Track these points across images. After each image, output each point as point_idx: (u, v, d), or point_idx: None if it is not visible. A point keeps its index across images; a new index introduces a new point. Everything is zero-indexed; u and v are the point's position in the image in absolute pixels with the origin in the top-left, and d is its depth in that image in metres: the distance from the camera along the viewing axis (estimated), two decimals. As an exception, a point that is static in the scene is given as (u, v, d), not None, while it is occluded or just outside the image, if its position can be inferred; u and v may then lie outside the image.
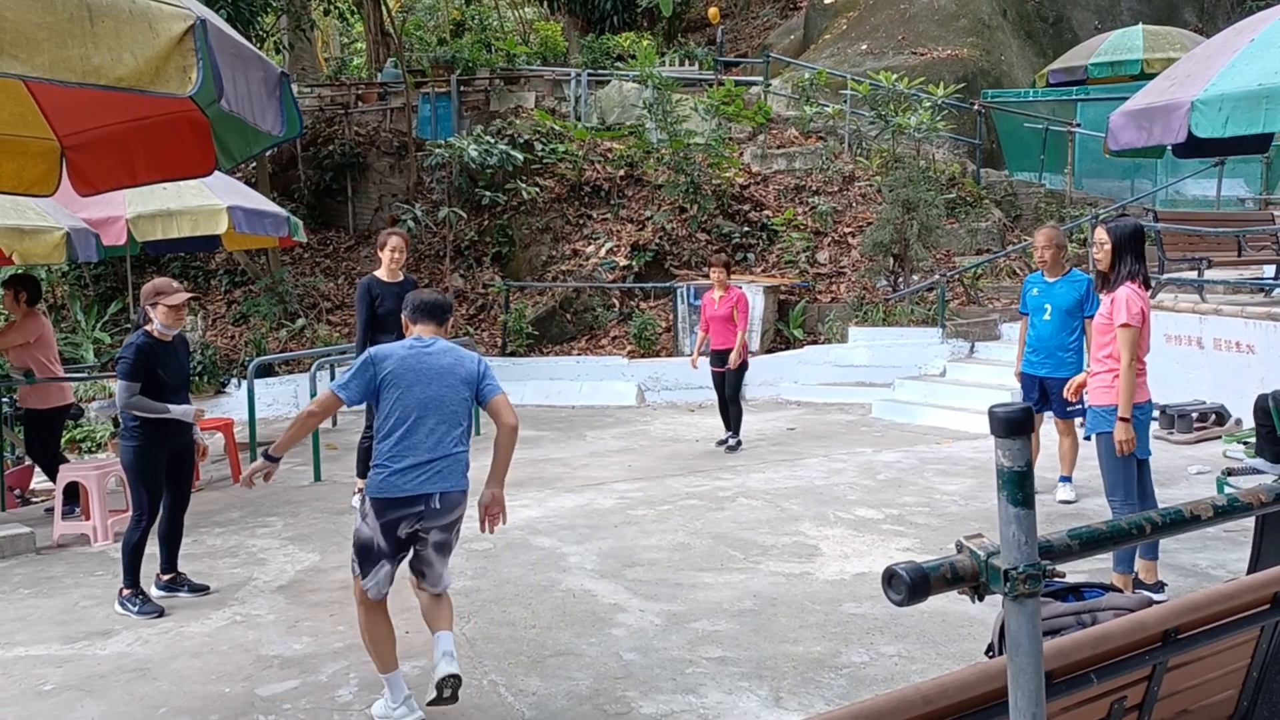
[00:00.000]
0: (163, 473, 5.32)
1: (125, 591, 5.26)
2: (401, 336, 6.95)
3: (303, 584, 5.59)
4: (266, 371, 11.77)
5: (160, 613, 5.18)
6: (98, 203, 7.17)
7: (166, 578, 5.49)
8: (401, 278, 7.07)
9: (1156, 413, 8.47)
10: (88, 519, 6.69)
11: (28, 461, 8.44)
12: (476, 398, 3.83)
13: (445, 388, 3.73)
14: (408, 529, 3.70)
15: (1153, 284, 9.64)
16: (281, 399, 11.71)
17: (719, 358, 8.61)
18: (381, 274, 7.02)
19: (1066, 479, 6.69)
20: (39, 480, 8.57)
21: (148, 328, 5.33)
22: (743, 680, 4.11)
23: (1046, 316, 6.46)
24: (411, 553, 3.83)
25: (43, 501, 7.99)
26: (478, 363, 3.86)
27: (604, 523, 6.48)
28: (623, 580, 5.37)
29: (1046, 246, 6.48)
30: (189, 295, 5.66)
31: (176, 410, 5.28)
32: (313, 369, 8.93)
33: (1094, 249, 4.93)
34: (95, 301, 13.41)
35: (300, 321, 12.95)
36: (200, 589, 5.51)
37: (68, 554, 6.45)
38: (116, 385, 5.16)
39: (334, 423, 10.88)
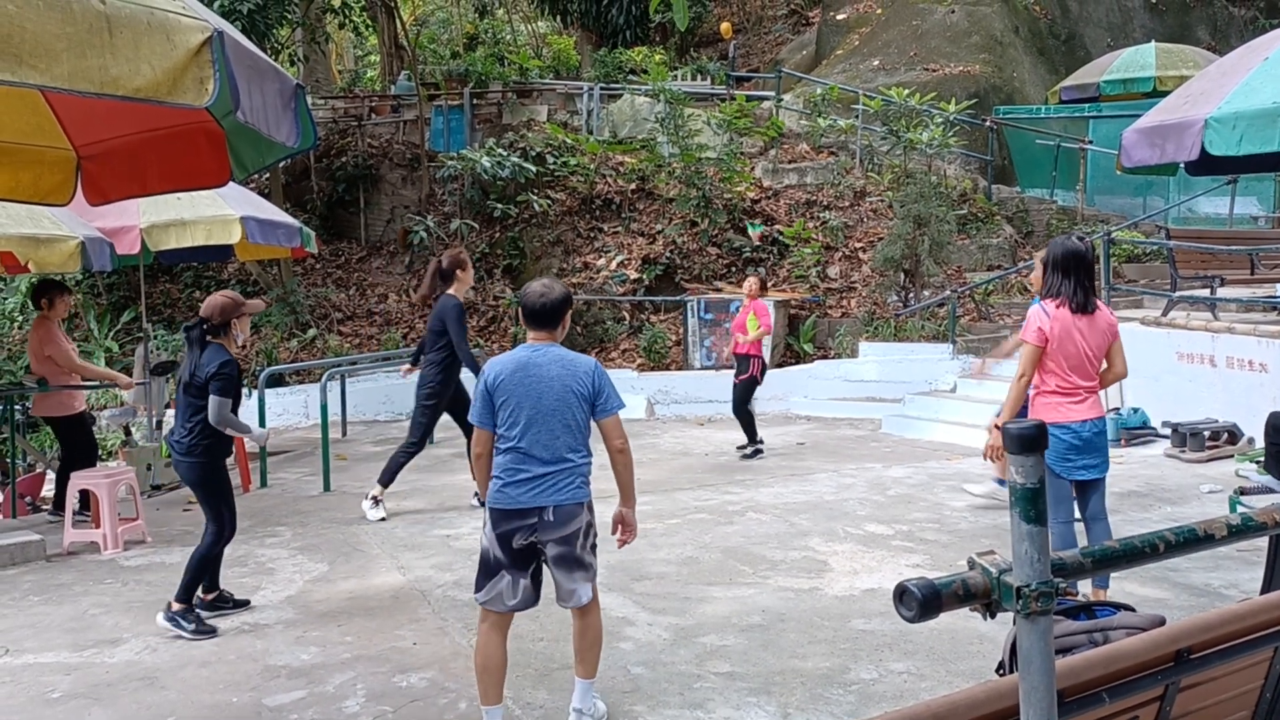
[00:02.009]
0: (229, 481, 5.25)
1: (177, 607, 4.98)
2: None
3: (311, 594, 5.59)
4: (277, 381, 11.81)
5: (214, 632, 4.97)
6: (112, 212, 7.22)
7: (210, 596, 5.32)
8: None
9: (1168, 431, 8.44)
10: (97, 526, 6.71)
11: (39, 469, 8.48)
12: (593, 411, 3.71)
13: (556, 400, 3.62)
14: (523, 540, 3.63)
15: (1166, 301, 9.66)
16: (292, 409, 11.74)
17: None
18: (457, 293, 7.00)
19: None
20: (50, 488, 8.60)
21: (222, 341, 5.15)
22: (750, 696, 4.09)
23: None
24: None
25: (49, 509, 8.02)
26: (592, 376, 3.68)
27: (611, 535, 6.46)
28: (631, 593, 5.36)
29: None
30: (263, 303, 5.79)
31: (256, 433, 5.34)
32: (323, 379, 8.95)
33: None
34: (108, 310, 13.49)
35: (311, 332, 13.00)
36: (242, 604, 5.39)
37: (77, 561, 6.47)
38: (214, 402, 4.95)
39: (343, 433, 10.90)
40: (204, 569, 5.10)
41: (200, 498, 5.19)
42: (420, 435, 7.12)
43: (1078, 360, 4.60)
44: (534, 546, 3.67)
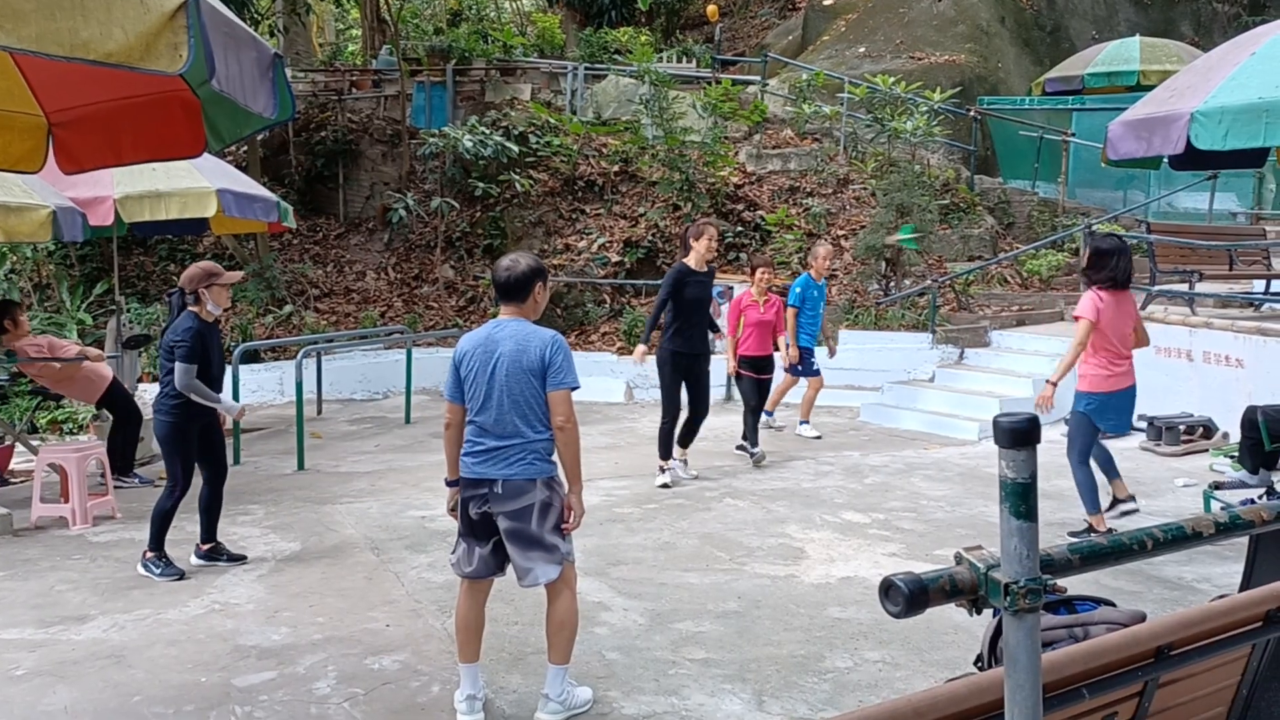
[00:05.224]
0: (194, 445, 5.51)
1: (149, 554, 5.44)
2: (700, 322, 7.25)
3: (282, 573, 5.53)
4: (253, 358, 11.68)
5: (181, 575, 5.38)
6: (85, 182, 7.09)
7: (206, 547, 5.69)
8: (707, 268, 7.35)
9: (1144, 424, 8.49)
10: (66, 501, 6.61)
11: (7, 441, 8.35)
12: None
13: (506, 374, 3.66)
14: (477, 509, 3.73)
15: (1145, 295, 9.71)
16: (266, 385, 11.62)
17: (756, 364, 8.14)
18: (691, 262, 7.20)
19: (805, 422, 9.24)
20: (18, 460, 8.47)
21: (195, 309, 5.44)
22: (725, 682, 4.07)
23: (822, 309, 9.10)
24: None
25: (22, 482, 7.90)
26: (546, 350, 3.67)
27: (589, 520, 6.38)
28: (607, 578, 5.33)
29: (830, 259, 9.18)
30: (242, 274, 6.08)
31: (225, 404, 5.54)
32: (299, 356, 8.85)
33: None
34: (81, 282, 13.28)
35: (288, 308, 12.85)
36: (238, 558, 5.71)
37: (45, 537, 6.37)
38: (177, 368, 5.30)
39: (319, 411, 10.80)
40: (163, 521, 5.45)
41: (163, 453, 5.56)
42: (665, 403, 7.39)
43: (1121, 336, 5.72)
44: (490, 518, 3.74)
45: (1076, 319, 5.79)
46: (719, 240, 7.32)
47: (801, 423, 9.32)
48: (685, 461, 7.56)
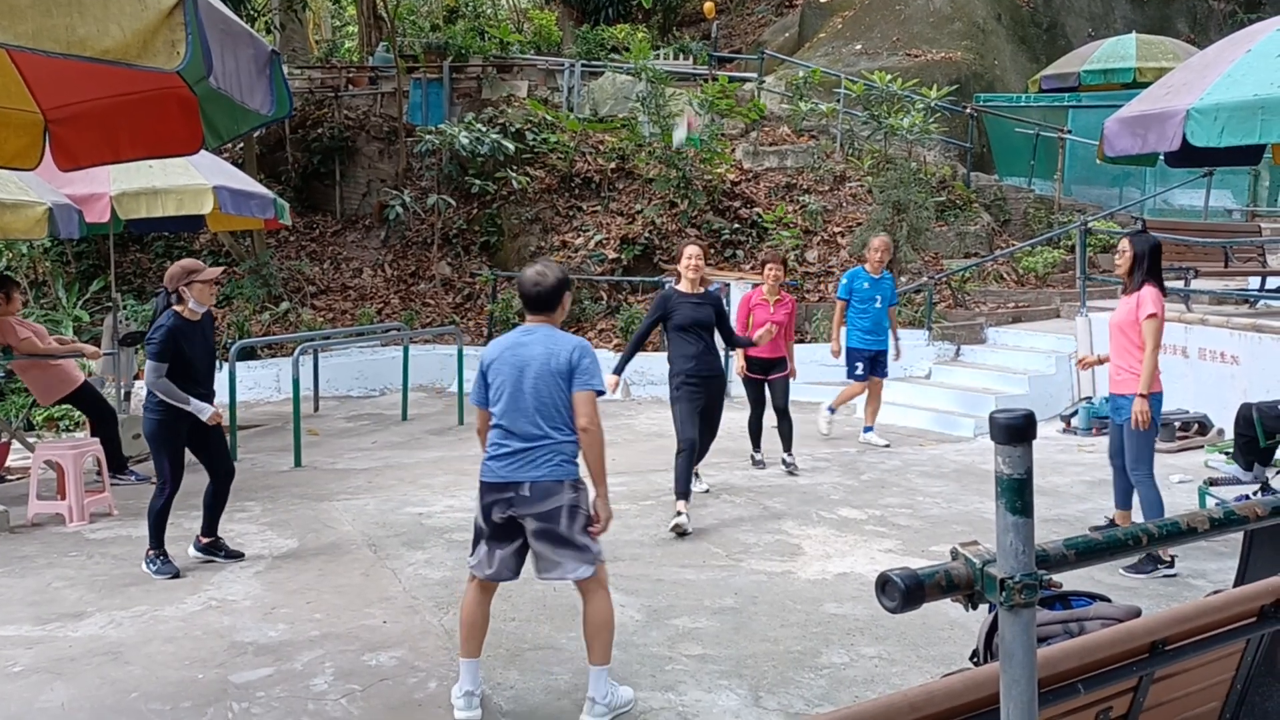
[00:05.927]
0: (183, 442, 5.52)
1: (150, 552, 5.50)
2: (701, 347, 6.62)
3: (279, 570, 5.53)
4: (249, 355, 11.67)
5: (176, 574, 5.41)
6: (82, 179, 7.07)
7: (206, 541, 5.70)
8: (704, 290, 6.67)
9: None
10: (63, 498, 6.60)
11: (4, 439, 8.34)
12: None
13: (535, 378, 3.70)
14: (501, 513, 3.72)
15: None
16: (263, 382, 11.62)
17: (763, 365, 7.72)
18: (682, 286, 6.63)
19: (870, 428, 8.87)
20: (15, 458, 8.46)
21: (177, 308, 5.44)
22: (722, 678, 4.08)
23: (878, 304, 8.51)
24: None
25: (19, 479, 7.89)
26: (573, 354, 3.73)
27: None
28: (604, 575, 5.33)
29: (885, 251, 8.57)
30: (222, 270, 5.96)
31: (194, 405, 5.46)
32: (295, 353, 8.85)
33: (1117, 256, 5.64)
34: (77, 279, 13.27)
35: (284, 305, 12.84)
36: (236, 555, 5.72)
37: (42, 533, 6.37)
38: (146, 366, 5.32)
39: (315, 408, 10.80)
40: (158, 519, 5.48)
41: (151, 450, 5.57)
42: (680, 430, 6.50)
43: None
44: (514, 521, 3.73)
45: (1151, 318, 5.34)
46: (700, 257, 6.59)
47: (828, 408, 9.12)
48: (697, 475, 6.96)
